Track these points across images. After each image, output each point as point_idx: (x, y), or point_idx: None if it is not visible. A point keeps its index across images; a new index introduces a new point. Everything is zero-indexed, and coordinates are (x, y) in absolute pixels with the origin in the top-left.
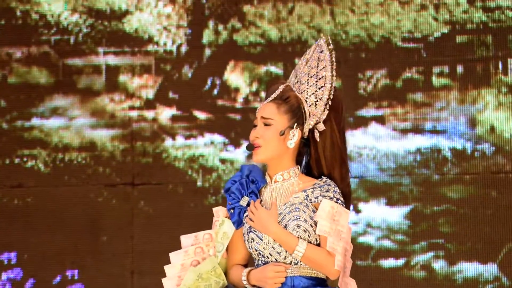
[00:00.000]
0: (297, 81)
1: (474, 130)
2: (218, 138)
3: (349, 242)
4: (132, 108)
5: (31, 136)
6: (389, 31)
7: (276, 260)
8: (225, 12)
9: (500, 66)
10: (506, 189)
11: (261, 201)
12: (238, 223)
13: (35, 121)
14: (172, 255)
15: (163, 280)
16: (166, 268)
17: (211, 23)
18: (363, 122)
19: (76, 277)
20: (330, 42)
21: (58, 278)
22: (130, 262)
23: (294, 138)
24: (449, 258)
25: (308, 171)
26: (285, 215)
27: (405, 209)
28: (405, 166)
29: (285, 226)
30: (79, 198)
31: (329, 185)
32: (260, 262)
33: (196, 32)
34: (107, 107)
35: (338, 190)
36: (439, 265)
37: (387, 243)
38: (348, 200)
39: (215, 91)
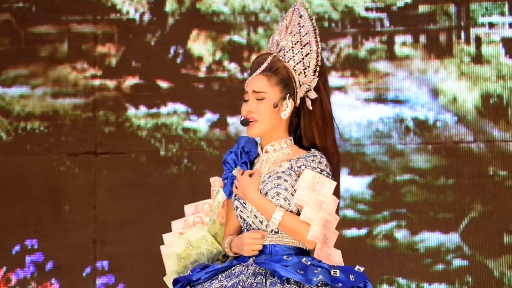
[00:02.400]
0: (280, 49)
1: (436, 100)
2: (181, 107)
3: (333, 214)
4: (94, 77)
5: None
6: (352, 1)
7: (258, 228)
8: None
9: (462, 35)
10: (468, 158)
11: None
12: (230, 193)
13: None
14: (174, 223)
15: (161, 247)
16: (165, 236)
17: None
18: None
19: (35, 246)
20: (307, 6)
21: (17, 247)
22: (93, 231)
23: (287, 109)
24: (412, 228)
25: (300, 142)
26: (267, 183)
27: (367, 179)
28: (368, 135)
29: (266, 194)
30: (41, 167)
31: (315, 155)
32: (245, 230)
33: (159, 0)
34: (69, 75)
35: (324, 162)
36: (401, 235)
37: (349, 212)
38: (337, 167)
39: (178, 60)
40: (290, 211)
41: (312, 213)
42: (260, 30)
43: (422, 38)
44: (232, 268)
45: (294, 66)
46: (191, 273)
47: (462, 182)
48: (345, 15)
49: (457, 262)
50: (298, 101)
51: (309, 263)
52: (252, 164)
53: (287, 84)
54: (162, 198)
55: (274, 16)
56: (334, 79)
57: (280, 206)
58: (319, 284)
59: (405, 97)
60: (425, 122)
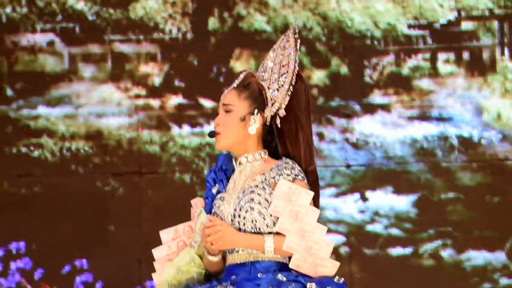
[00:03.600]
0: (263, 70)
1: (480, 117)
2: None
3: (313, 224)
4: (138, 96)
5: (37, 125)
6: (395, 18)
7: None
8: None
9: (506, 52)
10: None
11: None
12: (210, 211)
13: (41, 110)
14: (155, 251)
15: (153, 274)
16: (155, 263)
17: (216, 11)
18: (369, 109)
19: (85, 267)
20: (297, 31)
21: (67, 268)
22: (138, 251)
23: (255, 124)
24: (457, 246)
25: (276, 155)
26: (241, 199)
27: (412, 197)
28: (412, 154)
29: (240, 209)
30: (86, 187)
31: (287, 162)
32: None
33: (201, 19)
34: (113, 95)
35: (296, 167)
36: (447, 253)
37: (395, 231)
38: (315, 186)
39: (221, 79)
40: (267, 225)
41: (287, 223)
42: (302, 48)
43: (465, 55)
44: None
45: (269, 85)
46: None
47: (507, 200)
48: (388, 32)
49: (504, 281)
50: (268, 118)
51: (284, 279)
52: (229, 181)
53: (256, 100)
54: None
55: (316, 34)
56: (377, 97)
57: (256, 221)
58: None
59: (449, 115)
60: (469, 139)
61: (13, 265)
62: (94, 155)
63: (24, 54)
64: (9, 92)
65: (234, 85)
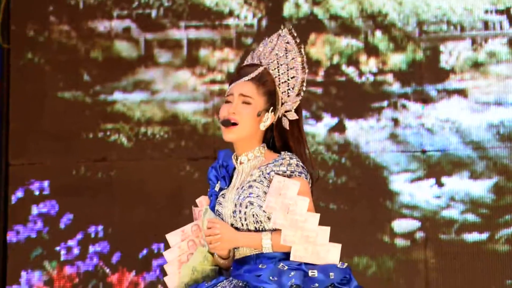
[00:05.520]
0: (268, 67)
1: None
2: None
3: (304, 213)
4: (213, 82)
5: (114, 110)
6: (472, 3)
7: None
8: None
9: None
10: None
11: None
12: (214, 209)
13: (117, 95)
14: (166, 254)
15: (165, 278)
16: (166, 267)
17: None
18: (445, 95)
19: (162, 251)
20: (295, 34)
21: (144, 252)
22: None
23: (267, 121)
24: None
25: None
26: (240, 195)
27: (488, 183)
28: (488, 139)
29: (240, 205)
30: (161, 172)
31: (283, 158)
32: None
33: (277, 5)
34: (188, 81)
35: (294, 162)
36: None
37: (470, 217)
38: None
39: None
40: (268, 218)
41: (280, 218)
42: (378, 33)
43: None
44: (218, 285)
45: (279, 84)
46: None
47: None
48: (464, 17)
49: None
50: (276, 118)
51: (286, 267)
52: (231, 178)
53: (272, 98)
54: None
55: (391, 19)
56: (453, 82)
57: (255, 215)
58: None
59: None
60: None
61: (91, 249)
62: (169, 140)
63: (101, 40)
64: (86, 77)
65: (248, 77)
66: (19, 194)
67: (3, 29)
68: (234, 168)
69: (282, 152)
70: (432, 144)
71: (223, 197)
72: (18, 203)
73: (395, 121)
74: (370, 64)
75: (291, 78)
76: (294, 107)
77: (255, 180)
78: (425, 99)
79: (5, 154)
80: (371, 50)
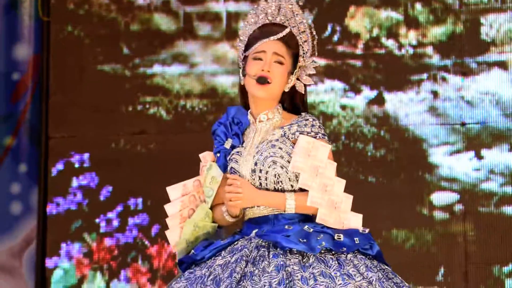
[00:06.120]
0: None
1: None
2: (338, 85)
3: (332, 177)
4: None
5: (153, 83)
6: None
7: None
8: None
9: None
10: None
11: (243, 142)
12: (225, 166)
13: (156, 68)
14: (168, 207)
15: (167, 232)
16: (168, 220)
17: None
18: (485, 67)
19: None
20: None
21: None
22: None
23: (290, 83)
24: None
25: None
26: (262, 153)
27: None
28: None
29: (262, 164)
30: (200, 145)
31: (307, 119)
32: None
33: None
34: (227, 54)
35: (317, 124)
36: None
37: (510, 189)
38: None
39: (335, 37)
40: (289, 179)
41: (308, 179)
42: (418, 6)
43: None
44: (234, 243)
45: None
46: (194, 253)
47: None
48: None
49: None
50: (294, 81)
51: (311, 230)
52: (243, 136)
53: (296, 62)
54: None
55: None
56: (493, 55)
57: (278, 175)
58: (322, 251)
59: None
60: None
61: (130, 221)
62: (208, 113)
63: (140, 13)
64: (125, 50)
65: (278, 36)
66: (59, 166)
67: (43, 2)
68: (247, 126)
69: (303, 113)
70: (471, 116)
71: (239, 155)
72: (58, 176)
73: (435, 94)
74: (409, 37)
75: (304, 41)
76: (309, 71)
77: (277, 140)
78: (465, 72)
79: (45, 127)
80: (411, 23)
